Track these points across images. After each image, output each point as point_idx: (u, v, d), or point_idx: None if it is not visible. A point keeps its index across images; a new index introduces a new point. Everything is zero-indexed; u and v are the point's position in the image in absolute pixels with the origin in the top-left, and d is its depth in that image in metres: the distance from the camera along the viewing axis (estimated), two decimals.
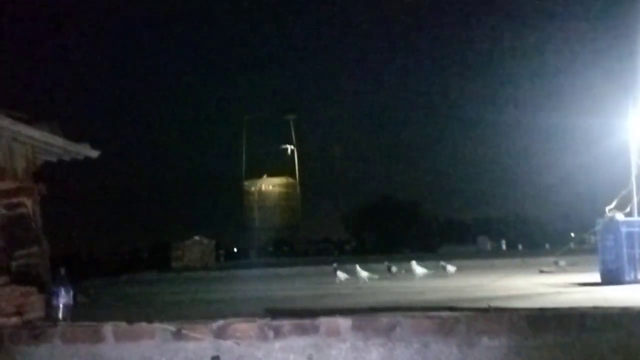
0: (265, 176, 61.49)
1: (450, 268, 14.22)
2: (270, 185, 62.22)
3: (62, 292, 5.96)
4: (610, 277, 10.75)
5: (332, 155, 62.28)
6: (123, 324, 5.25)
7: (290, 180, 60.48)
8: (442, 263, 14.81)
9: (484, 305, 5.73)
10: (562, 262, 14.88)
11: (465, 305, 6.34)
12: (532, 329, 4.83)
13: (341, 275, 13.49)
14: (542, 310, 5.20)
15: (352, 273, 13.50)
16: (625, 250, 10.60)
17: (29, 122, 7.08)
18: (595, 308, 5.26)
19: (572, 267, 14.62)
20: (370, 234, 59.66)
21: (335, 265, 14.64)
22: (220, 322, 5.12)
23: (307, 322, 5.05)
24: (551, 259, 15.72)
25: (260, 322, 5.11)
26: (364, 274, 13.26)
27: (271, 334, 5.03)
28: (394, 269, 15.37)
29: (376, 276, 13.58)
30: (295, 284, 13.44)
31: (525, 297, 8.90)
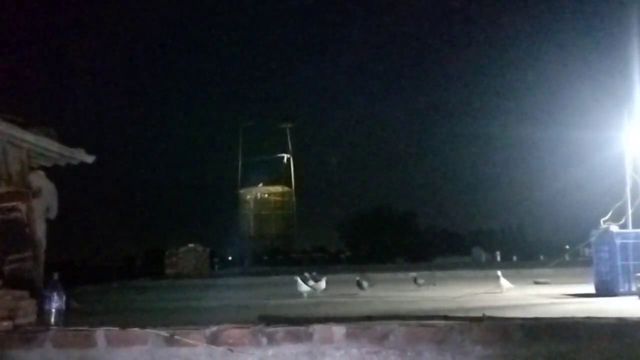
0: (261, 184, 61.32)
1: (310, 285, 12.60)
2: (266, 193, 62.06)
3: (55, 296, 5.92)
4: (605, 289, 10.77)
5: (328, 164, 62.29)
6: (115, 330, 5.21)
7: (286, 188, 60.31)
8: None
9: (478, 314, 5.72)
10: (420, 280, 13.92)
11: (460, 314, 6.33)
12: (526, 339, 4.82)
13: (304, 287, 12.34)
14: (536, 319, 5.20)
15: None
16: (619, 261, 10.63)
17: (24, 125, 7.06)
18: (590, 318, 5.25)
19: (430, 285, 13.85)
20: (365, 243, 59.64)
21: (306, 274, 13.48)
22: (214, 328, 5.09)
23: (300, 329, 5.03)
24: (547, 270, 15.33)
25: (254, 328, 5.09)
26: (305, 287, 12.25)
27: (264, 340, 5.00)
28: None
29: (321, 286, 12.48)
30: (288, 291, 13.32)
31: (519, 307, 8.90)
